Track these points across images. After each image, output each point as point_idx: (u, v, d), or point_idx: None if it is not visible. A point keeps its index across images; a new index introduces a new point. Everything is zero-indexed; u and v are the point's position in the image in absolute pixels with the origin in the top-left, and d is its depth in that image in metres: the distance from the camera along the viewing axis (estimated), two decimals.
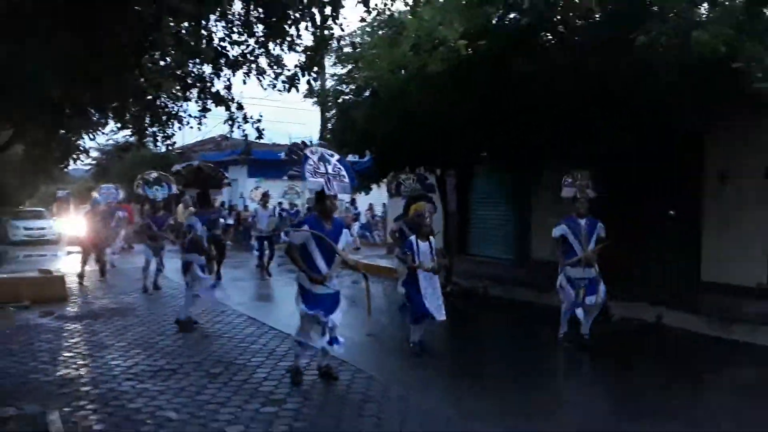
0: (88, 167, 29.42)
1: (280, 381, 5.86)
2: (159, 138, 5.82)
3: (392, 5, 5.35)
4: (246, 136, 5.73)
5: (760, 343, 7.56)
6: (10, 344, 6.85)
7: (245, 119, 5.34)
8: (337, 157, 5.94)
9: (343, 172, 5.81)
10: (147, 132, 5.58)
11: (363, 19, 7.18)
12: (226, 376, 5.98)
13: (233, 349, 7.11)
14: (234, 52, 5.03)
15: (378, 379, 6.00)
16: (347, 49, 10.36)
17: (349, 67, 11.31)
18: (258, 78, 5.16)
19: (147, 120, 5.38)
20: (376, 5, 5.24)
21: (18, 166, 16.59)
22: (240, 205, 23.68)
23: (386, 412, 5.09)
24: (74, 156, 6.81)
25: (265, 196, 14.10)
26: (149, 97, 5.12)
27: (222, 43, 4.95)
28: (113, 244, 15.00)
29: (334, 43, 6.14)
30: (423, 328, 7.11)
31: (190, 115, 5.67)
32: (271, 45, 4.99)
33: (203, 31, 4.63)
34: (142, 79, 4.68)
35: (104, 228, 13.96)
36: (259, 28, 4.87)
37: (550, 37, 8.31)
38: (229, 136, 5.89)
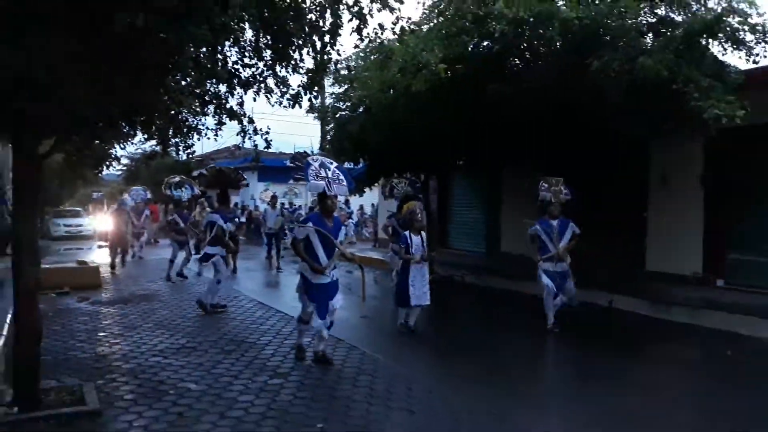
0: (119, 172, 29.15)
1: (285, 357, 5.85)
2: (181, 147, 5.76)
3: (382, 34, 5.32)
4: (256, 145, 5.69)
5: (696, 323, 7.66)
6: (52, 325, 6.79)
7: (255, 131, 5.30)
8: (335, 164, 5.92)
9: (342, 177, 5.80)
10: (170, 142, 5.52)
11: (357, 46, 7.23)
12: (238, 353, 5.96)
13: (245, 330, 7.09)
14: (246, 73, 5.00)
15: (370, 354, 6.01)
16: (343, 72, 10.33)
17: (345, 86, 11.31)
18: (266, 96, 5.13)
19: (170, 132, 5.33)
20: (368, 34, 5.22)
21: (58, 172, 16.45)
22: (251, 206, 23.57)
23: (377, 382, 5.10)
24: (107, 163, 6.75)
25: (274, 198, 14.05)
26: (172, 113, 5.08)
27: (235, 66, 4.92)
28: (141, 239, 14.93)
29: (332, 66, 6.11)
30: (416, 313, 7.11)
31: (207, 128, 5.62)
32: (277, 68, 4.97)
33: (219, 56, 4.61)
34: (166, 97, 4.65)
35: (131, 225, 13.89)
36: (268, 53, 4.85)
37: (519, 62, 8.35)
38: (241, 146, 5.85)
